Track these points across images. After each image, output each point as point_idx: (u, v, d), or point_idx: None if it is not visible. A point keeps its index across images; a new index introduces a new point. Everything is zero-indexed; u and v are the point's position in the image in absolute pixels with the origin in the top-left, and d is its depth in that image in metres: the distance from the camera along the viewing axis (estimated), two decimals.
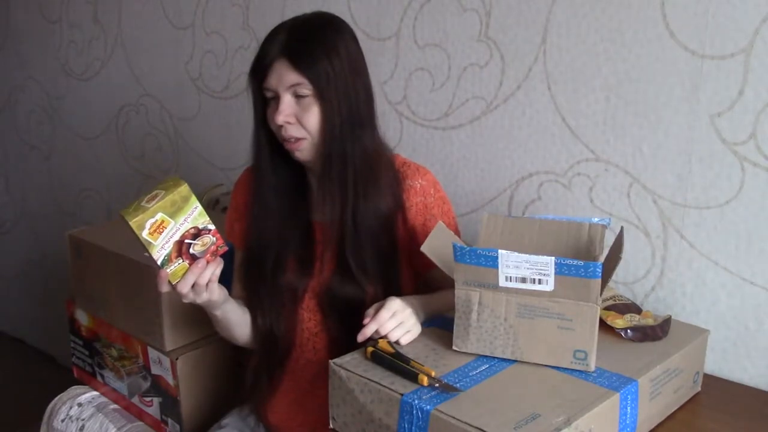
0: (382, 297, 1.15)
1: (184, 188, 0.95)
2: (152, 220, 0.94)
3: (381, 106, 1.55)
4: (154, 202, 0.95)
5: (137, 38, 2.13)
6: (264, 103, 1.13)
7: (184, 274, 1.00)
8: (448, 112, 1.47)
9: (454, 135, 1.47)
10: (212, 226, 0.98)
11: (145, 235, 0.94)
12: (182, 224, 0.96)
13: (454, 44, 1.44)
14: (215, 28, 1.90)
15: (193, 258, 0.99)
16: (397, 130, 1.56)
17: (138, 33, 2.13)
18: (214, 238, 0.99)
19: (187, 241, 0.97)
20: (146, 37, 2.10)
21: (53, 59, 2.44)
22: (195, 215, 0.96)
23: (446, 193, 1.24)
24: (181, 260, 0.98)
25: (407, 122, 1.54)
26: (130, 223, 0.94)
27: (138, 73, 2.16)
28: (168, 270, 0.98)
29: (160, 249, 0.96)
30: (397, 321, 1.03)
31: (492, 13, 1.37)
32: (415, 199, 1.16)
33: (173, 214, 0.96)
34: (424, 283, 1.24)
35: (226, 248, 1.01)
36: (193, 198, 0.96)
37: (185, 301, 1.04)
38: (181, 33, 1.99)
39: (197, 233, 0.97)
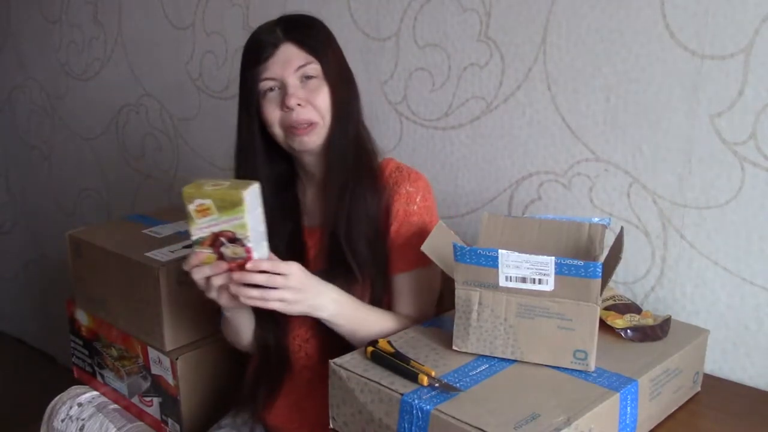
0: (369, 294, 1.15)
1: (237, 194, 0.95)
2: (201, 201, 0.97)
3: (381, 106, 1.56)
4: (212, 187, 0.97)
5: (137, 38, 2.13)
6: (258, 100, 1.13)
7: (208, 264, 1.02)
8: (448, 112, 1.47)
9: (454, 135, 1.47)
10: (249, 244, 0.98)
11: (191, 208, 0.98)
12: (224, 222, 0.97)
13: (454, 44, 1.44)
14: (215, 28, 1.90)
15: (221, 256, 1.00)
16: (397, 130, 1.56)
17: (138, 33, 2.13)
18: (245, 255, 0.99)
19: (222, 239, 0.98)
20: (146, 37, 2.10)
21: (53, 59, 2.44)
22: (237, 224, 0.97)
23: (446, 193, 1.24)
24: (212, 251, 1.00)
25: (407, 122, 1.54)
26: (183, 190, 0.98)
27: (138, 73, 2.16)
28: (203, 255, 1.01)
29: (198, 229, 0.99)
30: (284, 288, 1.01)
31: (492, 13, 1.37)
32: (397, 205, 1.15)
33: (219, 209, 0.97)
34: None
35: None
36: (242, 208, 0.96)
37: (198, 286, 1.05)
38: (181, 33, 1.99)
39: (233, 239, 0.98)
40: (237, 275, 1.00)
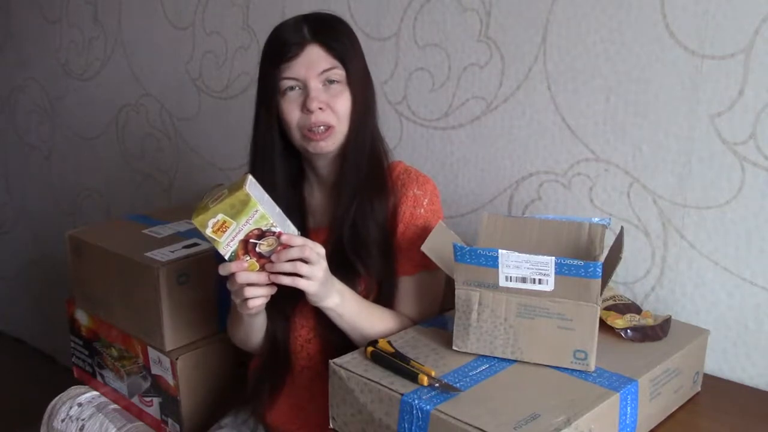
0: (375, 294, 1.16)
1: (242, 193, 0.96)
2: (214, 220, 0.97)
3: (381, 106, 1.55)
4: (216, 202, 0.97)
5: (137, 38, 2.13)
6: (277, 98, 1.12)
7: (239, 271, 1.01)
8: (448, 112, 1.47)
9: (454, 135, 1.47)
10: (276, 229, 0.98)
11: (208, 232, 0.98)
12: (245, 225, 0.97)
13: (454, 44, 1.44)
14: (215, 28, 1.90)
15: (260, 256, 1.00)
16: (397, 130, 1.56)
17: (138, 33, 2.13)
18: (280, 240, 0.99)
19: (252, 240, 0.98)
20: (146, 37, 2.10)
21: (53, 59, 2.44)
22: (256, 218, 0.97)
23: (446, 193, 1.24)
24: (249, 257, 1.00)
25: (407, 122, 1.54)
26: (193, 221, 0.98)
27: (138, 73, 2.16)
28: (245, 263, 1.00)
29: (226, 246, 0.99)
30: (317, 263, 1.00)
31: (492, 13, 1.37)
32: (404, 207, 1.16)
33: (234, 216, 0.97)
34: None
35: None
36: (253, 202, 0.96)
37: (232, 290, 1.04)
38: (181, 33, 1.99)
39: (261, 234, 0.98)
40: (275, 256, 0.99)
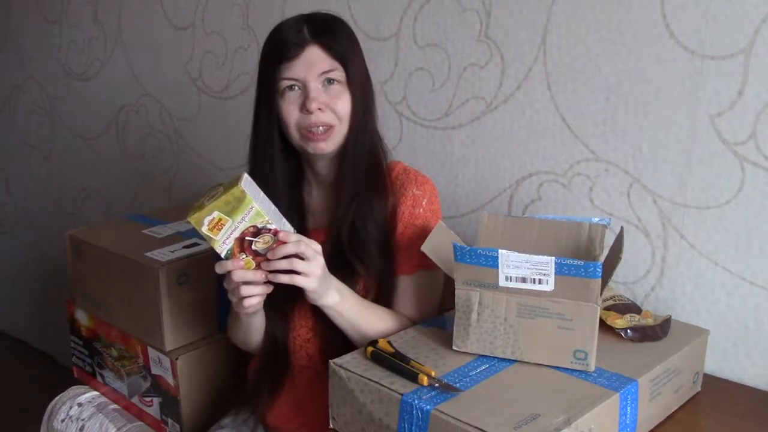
0: (374, 294, 1.16)
1: (237, 189, 0.95)
2: (209, 218, 0.97)
3: (381, 106, 1.55)
4: (212, 200, 0.97)
5: (137, 38, 2.13)
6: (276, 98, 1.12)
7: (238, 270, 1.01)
8: (448, 112, 1.47)
9: (454, 135, 1.47)
10: (272, 226, 0.98)
11: (204, 230, 0.98)
12: (240, 222, 0.97)
13: (454, 44, 1.44)
14: (215, 28, 1.90)
15: (256, 254, 0.99)
16: (397, 130, 1.56)
17: (138, 33, 2.13)
18: (276, 237, 0.99)
19: (248, 238, 0.98)
20: (146, 37, 2.10)
21: (53, 59, 2.44)
22: (252, 215, 0.97)
23: (446, 193, 1.24)
24: (245, 255, 1.00)
25: (407, 122, 1.54)
26: (189, 219, 0.98)
27: (138, 73, 2.16)
28: (241, 262, 1.00)
29: (222, 244, 0.98)
30: (313, 259, 1.00)
31: (492, 13, 1.37)
32: (403, 207, 1.16)
33: (229, 213, 0.97)
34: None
35: None
36: (248, 199, 0.96)
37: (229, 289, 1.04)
38: (181, 33, 1.99)
39: (257, 232, 0.98)
40: (270, 254, 0.99)
